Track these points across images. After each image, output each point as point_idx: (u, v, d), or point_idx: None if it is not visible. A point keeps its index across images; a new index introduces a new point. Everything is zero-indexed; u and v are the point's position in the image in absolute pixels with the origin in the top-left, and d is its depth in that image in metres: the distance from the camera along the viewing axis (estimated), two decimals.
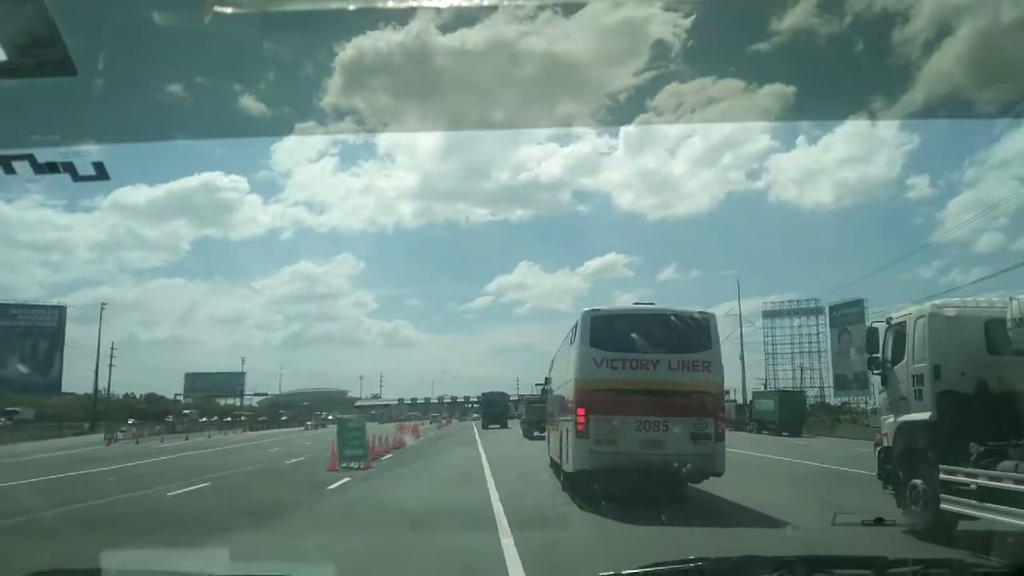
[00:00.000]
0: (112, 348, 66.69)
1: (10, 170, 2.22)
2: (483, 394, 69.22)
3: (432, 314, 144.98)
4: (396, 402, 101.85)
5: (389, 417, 74.24)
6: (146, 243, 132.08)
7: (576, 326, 12.53)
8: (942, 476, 8.51)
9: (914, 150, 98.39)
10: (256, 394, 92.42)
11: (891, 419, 9.94)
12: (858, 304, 58.93)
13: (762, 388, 61.47)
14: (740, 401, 60.89)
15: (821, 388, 65.75)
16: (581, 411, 11.69)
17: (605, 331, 11.99)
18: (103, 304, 66.10)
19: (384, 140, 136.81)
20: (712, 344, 11.97)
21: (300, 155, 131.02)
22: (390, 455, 23.41)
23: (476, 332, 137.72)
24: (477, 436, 38.04)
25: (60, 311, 70.37)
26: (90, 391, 65.57)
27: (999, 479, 7.62)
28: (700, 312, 12.39)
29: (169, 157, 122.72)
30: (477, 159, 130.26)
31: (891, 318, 10.22)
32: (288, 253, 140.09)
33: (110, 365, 65.64)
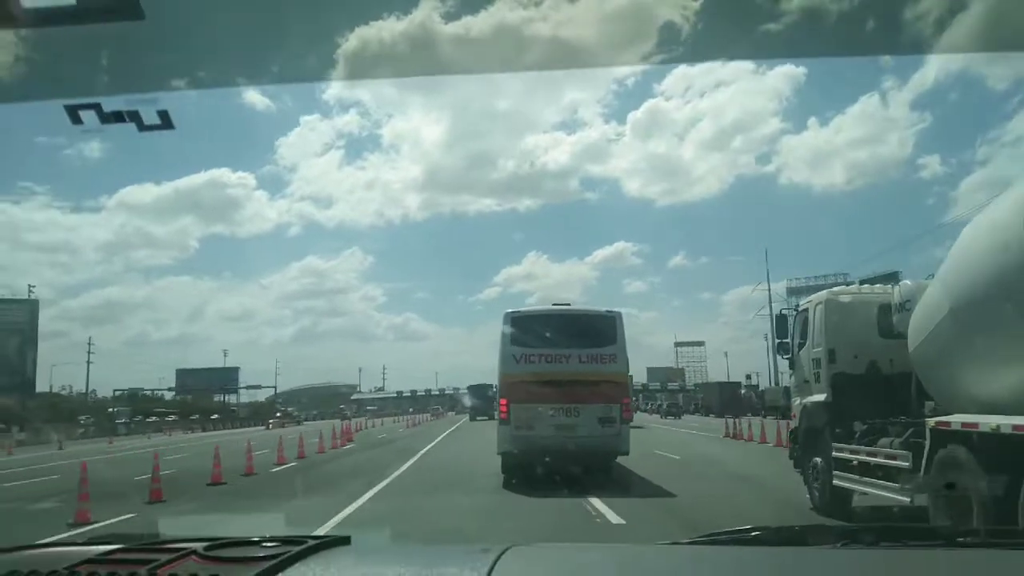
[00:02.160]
0: (90, 343, 66.47)
1: (77, 120, 2.15)
2: (468, 386, 68.83)
3: (441, 306, 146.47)
4: (395, 395, 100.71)
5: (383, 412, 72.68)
6: (154, 241, 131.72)
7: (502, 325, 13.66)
8: (834, 454, 9.04)
9: (925, 129, 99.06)
10: (251, 387, 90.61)
11: (798, 401, 10.46)
12: (893, 276, 45.95)
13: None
14: (772, 386, 56.33)
15: None
16: (503, 401, 13.03)
17: (524, 330, 13.24)
18: (30, 286, 64.71)
19: (388, 132, 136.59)
20: (617, 339, 13.28)
21: (306, 149, 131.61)
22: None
23: (485, 324, 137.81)
24: (438, 438, 29.33)
25: (32, 305, 65.85)
26: (91, 392, 64.80)
27: (875, 455, 8.13)
28: (607, 311, 13.78)
29: (174, 155, 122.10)
30: (483, 148, 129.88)
31: (799, 305, 10.73)
32: (296, 249, 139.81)
33: (88, 362, 65.47)
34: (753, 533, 1.96)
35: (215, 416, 66.38)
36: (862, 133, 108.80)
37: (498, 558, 1.53)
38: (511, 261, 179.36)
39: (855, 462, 8.54)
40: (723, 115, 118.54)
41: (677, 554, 1.82)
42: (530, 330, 13.30)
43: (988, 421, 6.16)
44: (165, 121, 2.27)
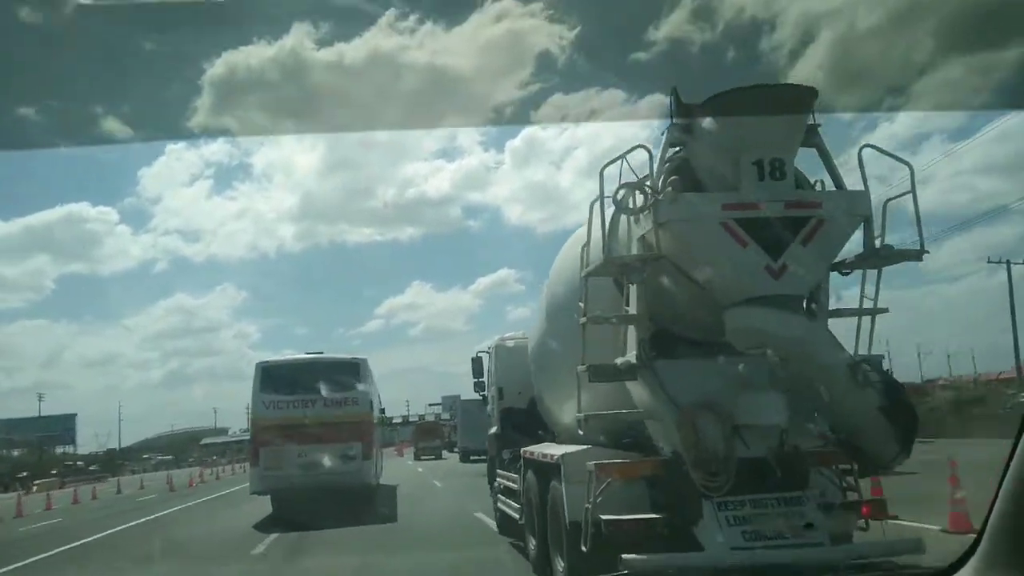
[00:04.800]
0: None
1: None
2: None
3: (320, 342, 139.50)
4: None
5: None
6: (2, 283, 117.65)
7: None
8: (497, 480, 10.30)
9: None
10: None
11: (489, 432, 11.74)
12: None
13: None
14: None
15: None
16: (254, 444, 14.27)
17: (273, 379, 14.42)
18: None
19: (260, 159, 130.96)
20: (361, 382, 14.69)
21: (171, 179, 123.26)
22: None
23: (367, 356, 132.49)
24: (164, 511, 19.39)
25: None
26: None
27: (507, 479, 9.42)
28: (353, 358, 15.36)
29: (26, 189, 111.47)
30: (361, 176, 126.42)
31: (490, 347, 12.05)
32: (162, 286, 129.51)
33: None
34: None
35: None
36: None
37: None
38: (394, 291, 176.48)
39: (503, 486, 9.82)
40: (598, 143, 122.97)
41: None
42: (279, 379, 14.52)
43: (534, 450, 7.49)
44: None
